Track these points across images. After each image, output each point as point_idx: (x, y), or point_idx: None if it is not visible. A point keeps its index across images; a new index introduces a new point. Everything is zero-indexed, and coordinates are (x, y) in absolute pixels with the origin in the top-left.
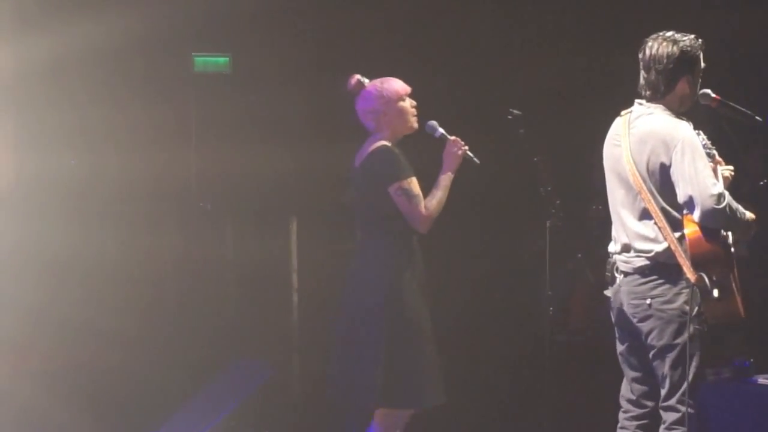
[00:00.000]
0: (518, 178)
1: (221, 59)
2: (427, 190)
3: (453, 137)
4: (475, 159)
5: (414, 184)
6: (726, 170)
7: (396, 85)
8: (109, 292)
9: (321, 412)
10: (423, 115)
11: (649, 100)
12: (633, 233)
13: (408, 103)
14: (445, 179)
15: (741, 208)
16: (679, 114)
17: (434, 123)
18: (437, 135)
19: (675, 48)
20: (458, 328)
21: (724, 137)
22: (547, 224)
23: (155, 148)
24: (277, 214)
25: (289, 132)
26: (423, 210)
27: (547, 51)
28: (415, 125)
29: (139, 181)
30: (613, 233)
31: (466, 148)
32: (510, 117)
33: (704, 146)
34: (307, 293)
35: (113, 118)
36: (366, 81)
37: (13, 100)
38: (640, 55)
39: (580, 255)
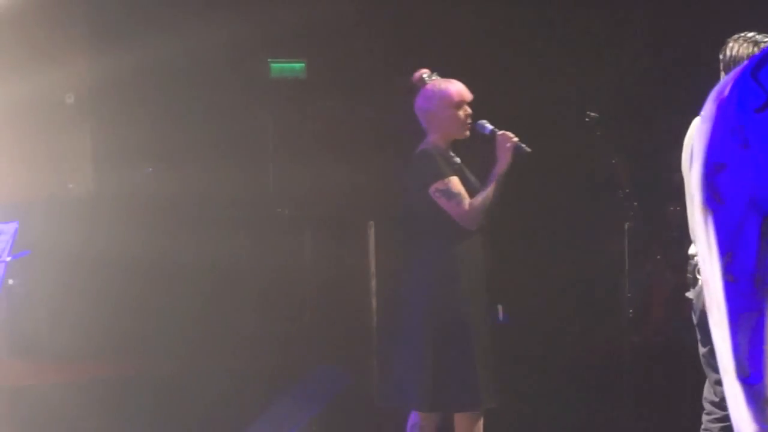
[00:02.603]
0: (596, 181)
1: (297, 65)
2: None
3: (501, 132)
4: (526, 148)
5: (454, 183)
6: None
7: (453, 89)
8: (187, 300)
9: (400, 418)
10: (503, 118)
11: None
12: None
13: (462, 111)
14: (495, 174)
15: None
16: None
17: (483, 122)
18: (487, 132)
19: (756, 49)
20: (537, 330)
21: None
22: (626, 226)
23: (232, 155)
24: (355, 218)
25: (365, 136)
26: (465, 207)
27: (624, 52)
28: (466, 133)
29: (216, 188)
30: (692, 235)
31: (516, 139)
32: (587, 119)
33: None
34: (386, 298)
35: (189, 126)
36: (430, 78)
37: (90, 111)
38: (721, 56)
39: (659, 256)
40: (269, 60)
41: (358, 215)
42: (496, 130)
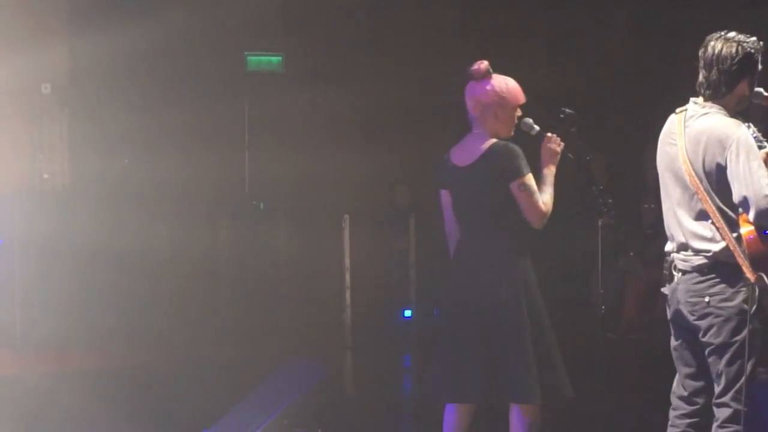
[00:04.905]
0: (570, 177)
1: (274, 58)
2: None
3: (550, 134)
4: (570, 155)
5: (533, 180)
6: None
7: (517, 91)
8: (162, 291)
9: (373, 411)
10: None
11: (708, 99)
12: (690, 233)
13: (518, 113)
14: (549, 174)
15: None
16: (734, 113)
17: (530, 120)
18: (533, 132)
19: (739, 49)
20: None
21: None
22: (599, 223)
23: (208, 147)
24: (330, 212)
25: (341, 131)
26: (542, 206)
27: (599, 49)
28: (512, 134)
29: (192, 180)
30: (668, 232)
31: (563, 144)
32: (562, 116)
33: (755, 139)
34: (360, 291)
35: (166, 118)
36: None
37: (67, 101)
38: (701, 53)
39: (632, 253)
40: (246, 53)
41: (332, 208)
42: (543, 131)
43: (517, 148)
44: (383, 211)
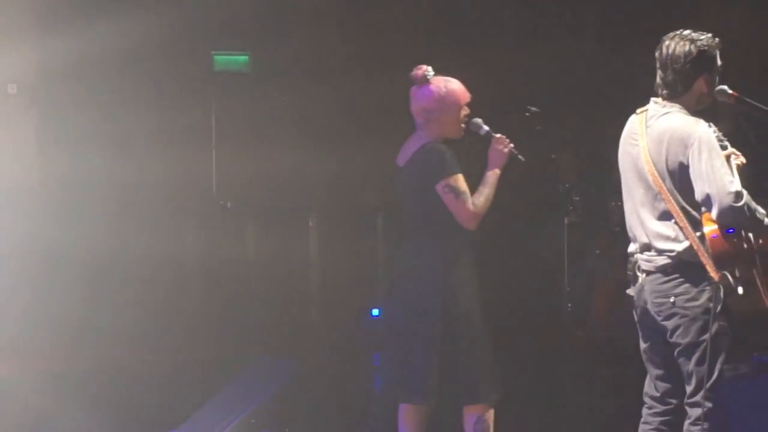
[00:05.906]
0: (536, 176)
1: (241, 58)
2: (473, 188)
3: (498, 135)
4: (521, 156)
5: (460, 180)
6: (738, 160)
7: (458, 91)
8: (130, 291)
9: (342, 410)
10: None
11: (666, 99)
12: (653, 233)
13: (463, 112)
14: (492, 176)
15: (760, 209)
16: (695, 112)
17: (479, 120)
18: (482, 133)
19: (692, 47)
20: None
21: (742, 133)
22: (565, 221)
23: (176, 147)
24: (297, 212)
25: (308, 130)
26: (470, 207)
27: (564, 47)
28: (462, 133)
29: (159, 180)
30: (630, 233)
31: (512, 146)
32: (527, 114)
33: (716, 137)
34: (328, 290)
35: (134, 118)
36: (431, 75)
37: (35, 101)
38: (657, 54)
39: (598, 251)
40: (213, 52)
41: (300, 208)
42: (492, 132)
43: (444, 149)
44: (351, 210)
